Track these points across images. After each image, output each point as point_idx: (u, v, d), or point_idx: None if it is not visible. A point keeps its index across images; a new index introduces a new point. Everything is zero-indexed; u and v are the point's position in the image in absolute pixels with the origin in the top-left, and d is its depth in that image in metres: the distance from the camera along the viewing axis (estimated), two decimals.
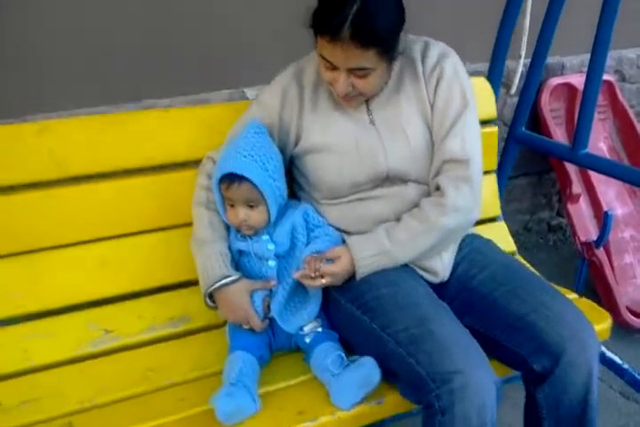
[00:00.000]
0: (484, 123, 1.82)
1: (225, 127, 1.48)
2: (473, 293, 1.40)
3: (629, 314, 2.28)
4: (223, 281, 1.34)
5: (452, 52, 1.43)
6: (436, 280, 1.43)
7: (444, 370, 1.16)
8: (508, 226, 1.94)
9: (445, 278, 1.44)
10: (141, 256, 1.53)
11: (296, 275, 1.34)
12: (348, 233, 1.44)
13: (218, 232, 1.41)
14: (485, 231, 1.65)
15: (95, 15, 1.75)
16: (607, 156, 2.69)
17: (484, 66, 2.12)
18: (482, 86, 1.84)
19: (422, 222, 1.35)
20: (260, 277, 1.40)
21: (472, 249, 1.48)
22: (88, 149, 1.46)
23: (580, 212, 2.52)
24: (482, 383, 1.17)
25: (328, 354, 1.29)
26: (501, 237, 1.84)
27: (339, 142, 1.40)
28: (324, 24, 1.22)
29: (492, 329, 1.34)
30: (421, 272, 1.42)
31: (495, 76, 2.06)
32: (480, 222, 1.75)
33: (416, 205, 1.40)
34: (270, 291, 1.39)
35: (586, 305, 1.64)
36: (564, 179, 2.53)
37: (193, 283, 1.47)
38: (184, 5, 1.84)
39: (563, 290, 1.62)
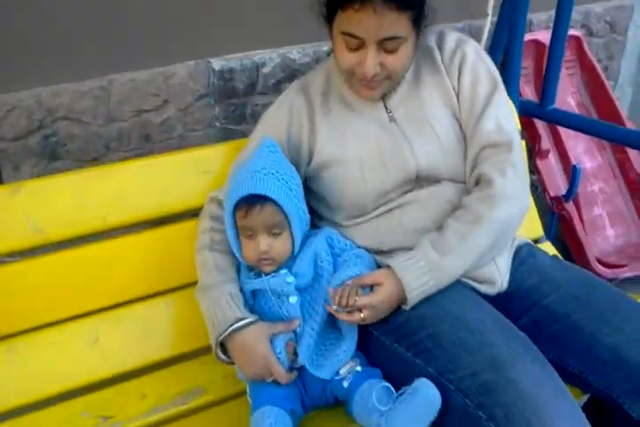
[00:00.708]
0: None
1: (222, 169, 1.38)
2: (545, 312, 1.22)
3: (599, 265, 2.35)
4: (236, 325, 1.15)
5: (470, 38, 1.34)
6: (493, 292, 1.25)
7: None
8: None
9: (504, 288, 1.26)
10: (138, 328, 1.37)
11: (330, 308, 1.15)
12: (382, 252, 1.28)
13: (226, 274, 1.23)
14: None
15: None
16: (576, 111, 2.73)
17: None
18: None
19: (472, 222, 1.18)
20: (280, 318, 1.19)
21: (542, 263, 1.32)
22: (69, 209, 1.31)
23: (550, 167, 2.57)
24: None
25: (372, 392, 1.06)
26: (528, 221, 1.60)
27: (357, 149, 1.27)
28: None
29: (572, 361, 1.16)
30: (475, 284, 1.24)
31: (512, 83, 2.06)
32: None
33: (455, 207, 1.25)
34: (295, 334, 1.19)
35: None
36: (533, 135, 2.57)
37: (202, 351, 1.35)
38: None
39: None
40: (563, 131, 2.57)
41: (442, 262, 1.14)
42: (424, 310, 1.14)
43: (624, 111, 2.86)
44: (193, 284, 1.30)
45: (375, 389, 1.06)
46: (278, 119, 1.33)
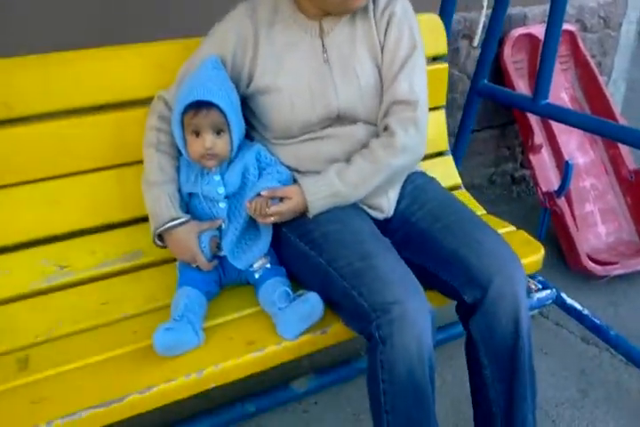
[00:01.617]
0: (434, 59, 1.92)
1: (175, 65, 1.52)
2: (412, 228, 1.50)
3: (590, 261, 2.39)
4: (171, 223, 1.42)
5: None
6: (381, 216, 1.53)
7: (384, 301, 1.26)
8: (472, 179, 2.03)
9: (390, 215, 1.54)
10: (92, 194, 1.58)
11: (247, 208, 1.41)
12: (300, 172, 1.52)
13: (167, 174, 1.47)
14: (432, 165, 1.83)
15: None
16: (569, 105, 2.77)
17: None
18: (433, 23, 1.91)
19: (372, 163, 1.45)
20: (211, 217, 1.47)
21: (415, 186, 1.58)
22: (36, 88, 1.48)
23: (543, 162, 2.60)
24: (418, 312, 1.27)
25: (275, 289, 1.38)
26: (447, 170, 1.98)
27: (291, 82, 1.46)
28: None
29: (428, 262, 1.45)
30: (368, 209, 1.52)
31: (447, 12, 2.10)
32: (427, 157, 1.85)
33: (365, 145, 1.49)
34: (220, 230, 1.46)
35: (521, 238, 1.74)
36: (526, 130, 2.60)
37: (144, 219, 1.54)
38: None
39: (500, 223, 1.79)
40: (556, 126, 2.61)
41: (341, 190, 1.44)
42: (319, 214, 1.44)
43: (617, 107, 2.91)
44: (140, 161, 1.51)
45: (278, 290, 1.37)
46: (225, 39, 1.47)
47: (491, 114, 2.76)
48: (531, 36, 2.65)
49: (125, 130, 1.57)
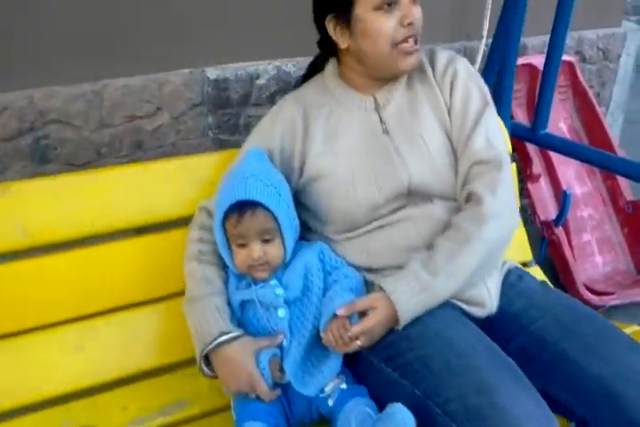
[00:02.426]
0: None
1: (214, 178, 1.39)
2: (532, 340, 1.24)
3: (587, 291, 2.42)
4: (221, 339, 1.18)
5: (460, 56, 1.41)
6: (483, 314, 1.28)
7: None
8: None
9: (493, 310, 1.30)
10: (123, 336, 1.38)
11: (324, 340, 1.19)
12: (373, 270, 1.32)
13: (213, 286, 1.26)
14: None
15: None
16: (567, 136, 2.82)
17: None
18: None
19: (462, 241, 1.21)
20: (268, 331, 1.22)
21: (529, 287, 1.35)
22: (57, 213, 1.33)
23: (541, 191, 2.64)
24: None
25: (358, 415, 1.11)
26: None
27: (349, 160, 1.32)
28: None
29: (558, 389, 1.18)
30: (465, 307, 1.27)
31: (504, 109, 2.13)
32: None
33: (445, 226, 1.28)
34: (281, 348, 1.21)
35: None
36: (524, 159, 2.64)
37: (188, 363, 1.34)
38: None
39: (620, 325, 1.40)
40: (554, 155, 2.65)
41: (432, 283, 1.18)
42: (412, 330, 1.18)
43: (615, 137, 2.97)
44: (180, 294, 1.31)
45: (356, 411, 1.10)
46: (272, 130, 1.37)
47: None
48: (530, 66, 2.71)
49: (161, 257, 1.40)
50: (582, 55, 2.97)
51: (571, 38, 2.83)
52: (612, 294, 2.45)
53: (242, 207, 1.17)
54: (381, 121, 1.35)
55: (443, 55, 1.39)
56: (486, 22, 2.48)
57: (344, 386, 1.19)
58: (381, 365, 1.19)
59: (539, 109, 2.14)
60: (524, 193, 3.02)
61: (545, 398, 1.08)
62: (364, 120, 1.35)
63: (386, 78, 1.35)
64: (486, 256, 1.23)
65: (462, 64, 1.38)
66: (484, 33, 2.51)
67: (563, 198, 2.29)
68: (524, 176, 2.68)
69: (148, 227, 1.42)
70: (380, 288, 1.21)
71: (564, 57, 2.54)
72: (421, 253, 1.24)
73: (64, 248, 1.35)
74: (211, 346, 1.18)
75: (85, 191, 1.37)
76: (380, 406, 1.13)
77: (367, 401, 1.15)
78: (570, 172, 2.76)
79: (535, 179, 2.61)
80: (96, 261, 1.37)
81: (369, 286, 1.30)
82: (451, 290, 1.21)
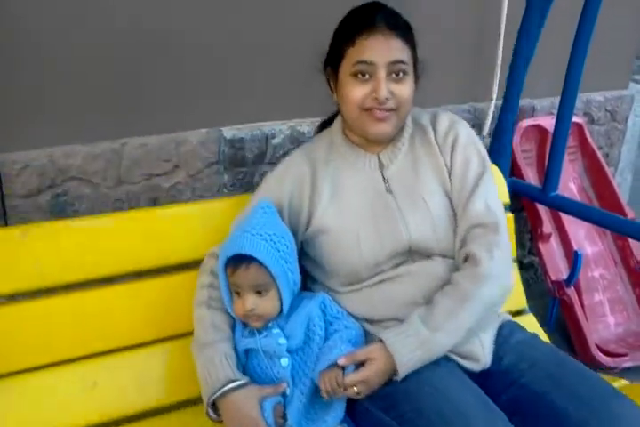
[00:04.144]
0: None
1: (226, 223, 1.45)
2: (523, 391, 1.30)
3: (599, 352, 2.42)
4: (228, 386, 1.24)
5: (462, 120, 1.49)
6: (477, 368, 1.35)
7: None
8: None
9: (487, 365, 1.36)
10: (136, 374, 1.43)
11: (321, 387, 1.25)
12: (374, 322, 1.38)
13: (221, 332, 1.32)
14: None
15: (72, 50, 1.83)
16: (576, 195, 2.87)
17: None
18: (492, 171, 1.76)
19: (459, 299, 1.29)
20: (271, 379, 1.27)
21: (519, 341, 1.41)
22: (75, 254, 1.39)
23: (551, 251, 2.67)
24: None
25: None
26: (533, 330, 1.65)
27: (355, 217, 1.38)
28: (358, 23, 1.34)
29: None
30: (461, 360, 1.34)
31: (503, 160, 2.21)
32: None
33: (444, 281, 1.35)
34: (284, 396, 1.26)
35: (638, 391, 1.54)
36: (534, 218, 2.69)
37: (197, 401, 1.37)
38: (160, 41, 1.93)
39: (609, 378, 1.46)
40: (564, 215, 2.68)
41: (431, 339, 1.26)
42: (410, 382, 1.25)
43: (624, 197, 3.01)
44: (190, 333, 1.37)
45: None
46: (282, 182, 1.44)
47: None
48: (539, 127, 2.78)
49: (171, 298, 1.46)
50: (591, 116, 3.04)
51: (579, 100, 2.91)
52: (624, 355, 2.45)
53: (239, 260, 1.24)
54: (384, 180, 1.43)
55: (445, 118, 1.47)
56: (496, 84, 2.57)
57: None
58: (380, 413, 1.25)
59: (549, 171, 2.19)
60: (533, 251, 3.06)
61: None
62: (369, 178, 1.43)
63: (370, 140, 1.42)
64: (482, 315, 1.32)
65: (463, 128, 1.46)
66: (494, 95, 2.60)
67: (574, 259, 2.32)
68: (535, 235, 2.72)
69: (161, 269, 1.49)
70: (380, 340, 1.27)
71: (573, 118, 2.61)
72: (421, 309, 1.31)
73: (80, 288, 1.41)
74: (218, 393, 1.24)
75: (102, 234, 1.44)
76: None
77: None
78: (580, 231, 2.80)
79: (546, 238, 2.64)
80: (110, 301, 1.43)
81: (369, 337, 1.37)
82: (448, 346, 1.29)
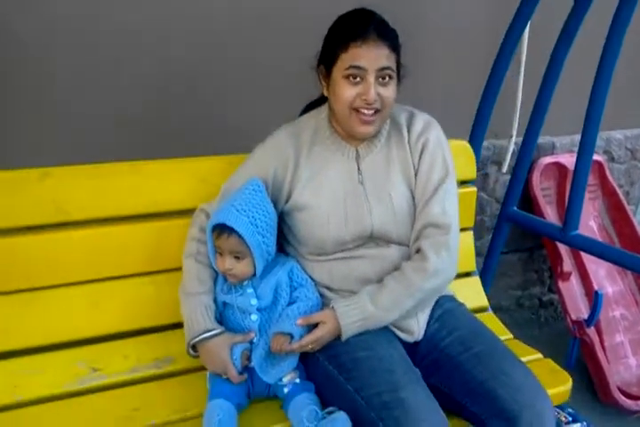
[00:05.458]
0: (464, 183, 2.03)
1: (218, 179, 1.65)
2: (441, 354, 1.55)
3: (620, 394, 2.38)
4: (205, 335, 1.49)
5: (436, 123, 1.64)
6: (410, 340, 1.58)
7: None
8: (499, 301, 2.08)
9: (420, 337, 1.59)
10: (130, 298, 1.68)
11: (272, 348, 1.48)
12: (332, 290, 1.60)
13: (205, 285, 1.56)
14: (459, 286, 1.85)
15: (101, 78, 1.92)
16: (597, 234, 2.87)
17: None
18: (463, 149, 2.03)
19: (405, 287, 1.51)
20: (242, 328, 1.54)
21: (445, 311, 1.64)
22: (88, 195, 1.62)
23: (571, 290, 2.66)
24: None
25: (304, 407, 1.44)
26: (474, 291, 2.04)
27: (327, 201, 1.56)
28: (352, 31, 1.47)
29: (456, 391, 1.49)
30: (398, 332, 1.58)
31: (476, 139, 2.27)
32: (455, 277, 1.89)
33: (397, 266, 1.57)
34: (251, 343, 1.52)
35: (548, 366, 1.76)
36: (554, 257, 2.68)
37: (177, 326, 1.61)
38: (186, 77, 2.01)
39: (526, 351, 1.80)
40: (585, 254, 2.67)
41: (374, 314, 1.50)
42: (351, 339, 1.50)
43: None
44: (177, 269, 1.61)
45: (307, 409, 1.42)
46: (268, 158, 1.60)
47: (519, 237, 2.86)
48: (559, 165, 2.79)
49: (165, 239, 1.69)
50: (611, 155, 3.05)
51: (599, 139, 2.92)
52: None
53: (222, 228, 1.47)
54: (359, 171, 1.59)
55: (419, 120, 1.63)
56: (516, 121, 2.60)
57: (297, 380, 1.52)
58: (324, 362, 1.51)
59: (569, 210, 2.18)
60: (553, 289, 3.05)
61: (446, 398, 1.46)
62: (345, 167, 1.59)
63: (353, 136, 1.57)
64: (422, 301, 1.56)
65: (435, 133, 1.62)
66: (514, 132, 2.62)
67: (594, 298, 2.30)
68: (555, 273, 2.71)
69: (157, 213, 1.71)
70: (332, 308, 1.51)
71: (594, 156, 2.62)
72: (372, 286, 1.54)
73: (90, 225, 1.64)
74: (197, 339, 1.50)
75: (111, 181, 1.67)
76: (322, 394, 1.50)
77: (314, 397, 1.49)
78: (601, 270, 2.78)
79: (566, 277, 2.63)
80: (115, 237, 1.66)
81: (326, 300, 1.59)
82: (386, 321, 1.54)
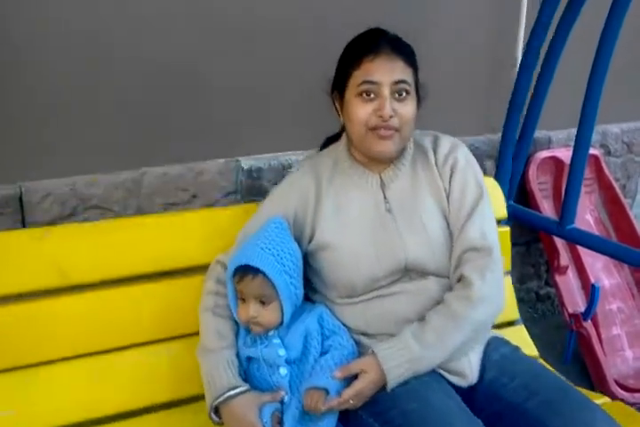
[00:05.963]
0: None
1: (234, 230, 1.51)
2: (504, 404, 1.37)
3: (617, 387, 2.39)
4: (229, 393, 1.32)
5: (462, 144, 1.53)
6: (464, 384, 1.41)
7: None
8: None
9: (474, 381, 1.42)
10: (143, 370, 1.50)
11: (305, 406, 1.32)
12: (368, 335, 1.45)
13: (225, 339, 1.40)
14: (504, 335, 1.61)
15: (100, 81, 1.90)
16: (593, 227, 2.87)
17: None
18: (491, 186, 1.84)
19: (451, 319, 1.36)
20: (270, 385, 1.35)
21: (502, 356, 1.47)
22: (91, 255, 1.47)
23: (568, 283, 2.66)
24: None
25: None
26: (522, 341, 1.79)
27: (355, 236, 1.44)
28: (364, 48, 1.40)
29: None
30: (448, 376, 1.41)
31: (502, 176, 2.27)
32: (497, 326, 1.75)
33: (437, 300, 1.42)
34: (282, 403, 1.34)
35: (618, 409, 1.61)
36: (551, 250, 2.69)
37: (199, 398, 1.44)
38: (182, 77, 2.00)
39: (592, 395, 1.59)
40: (581, 248, 2.67)
41: (420, 354, 1.34)
42: (398, 390, 1.32)
43: None
44: (194, 334, 1.46)
45: None
46: (288, 197, 1.50)
47: (515, 231, 2.85)
48: (555, 159, 2.79)
49: (180, 298, 1.54)
50: (607, 148, 3.06)
51: (595, 132, 2.92)
52: None
53: (246, 270, 1.33)
54: (385, 199, 1.48)
55: (445, 142, 1.52)
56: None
57: None
58: (369, 419, 1.32)
59: (566, 204, 2.20)
60: (550, 282, 3.06)
61: None
62: (370, 197, 1.48)
63: (374, 159, 1.47)
64: (471, 335, 1.39)
65: (462, 153, 1.51)
66: None
67: (591, 292, 2.31)
68: (551, 267, 2.71)
69: (168, 272, 1.56)
70: (373, 353, 1.34)
71: (590, 150, 2.63)
72: (414, 325, 1.38)
73: (95, 288, 1.49)
74: (220, 399, 1.32)
75: (116, 238, 1.53)
76: None
77: None
78: (598, 263, 2.79)
79: (562, 271, 2.64)
80: (121, 301, 1.51)
81: (363, 348, 1.43)
82: (436, 362, 1.37)
